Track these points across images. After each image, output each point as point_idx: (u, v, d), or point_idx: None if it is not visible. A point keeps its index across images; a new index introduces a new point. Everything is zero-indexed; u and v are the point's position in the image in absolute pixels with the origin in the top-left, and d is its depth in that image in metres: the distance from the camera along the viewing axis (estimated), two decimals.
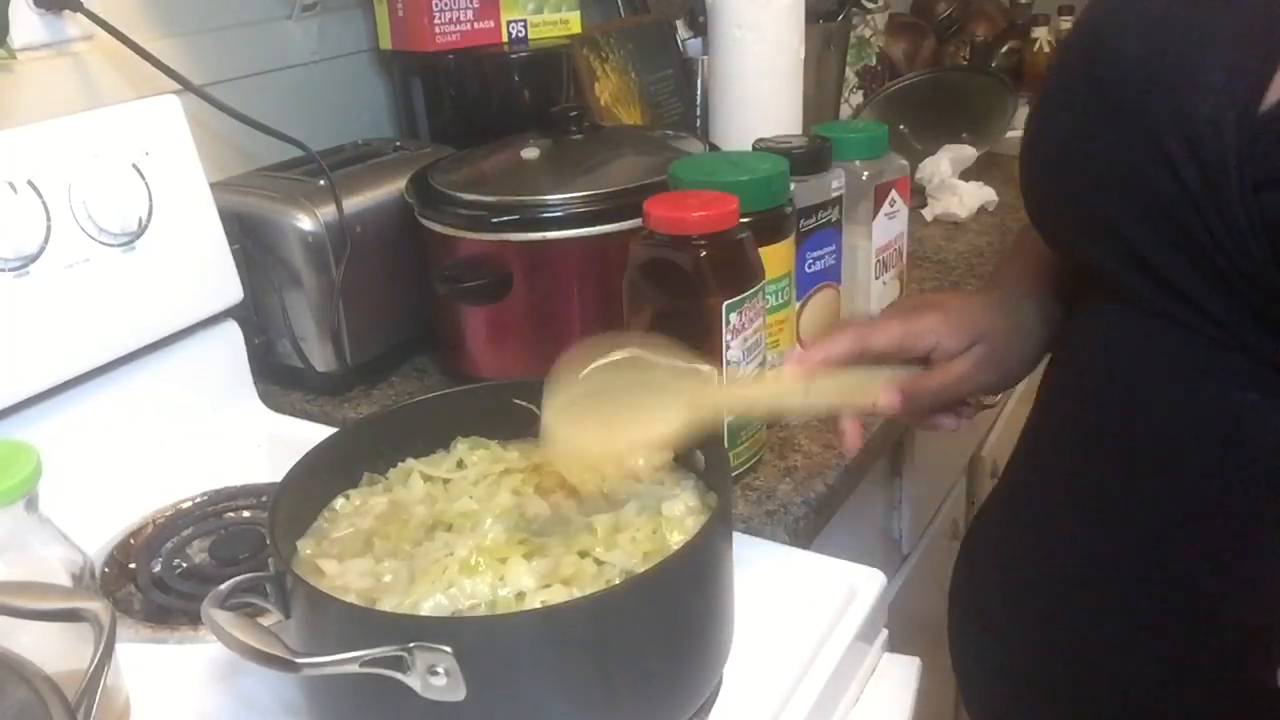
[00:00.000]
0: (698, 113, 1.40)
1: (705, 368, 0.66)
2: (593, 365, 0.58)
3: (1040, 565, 0.68)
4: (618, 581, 0.55)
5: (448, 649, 0.47)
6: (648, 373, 0.60)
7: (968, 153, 1.43)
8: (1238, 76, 0.51)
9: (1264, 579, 0.57)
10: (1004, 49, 1.84)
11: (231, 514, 0.80)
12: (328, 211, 0.94)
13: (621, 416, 0.60)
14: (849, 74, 1.58)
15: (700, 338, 0.74)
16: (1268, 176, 0.50)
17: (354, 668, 0.47)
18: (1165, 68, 0.53)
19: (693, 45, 1.42)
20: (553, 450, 0.61)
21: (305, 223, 0.93)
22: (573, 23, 1.27)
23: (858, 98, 1.61)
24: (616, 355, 0.59)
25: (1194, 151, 0.52)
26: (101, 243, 0.82)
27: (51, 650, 0.48)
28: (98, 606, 0.48)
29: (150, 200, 0.86)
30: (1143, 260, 0.56)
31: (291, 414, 0.97)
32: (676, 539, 0.58)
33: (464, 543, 0.59)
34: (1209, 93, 0.51)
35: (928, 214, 1.37)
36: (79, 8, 0.92)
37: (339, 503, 0.65)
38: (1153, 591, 0.61)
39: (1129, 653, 0.62)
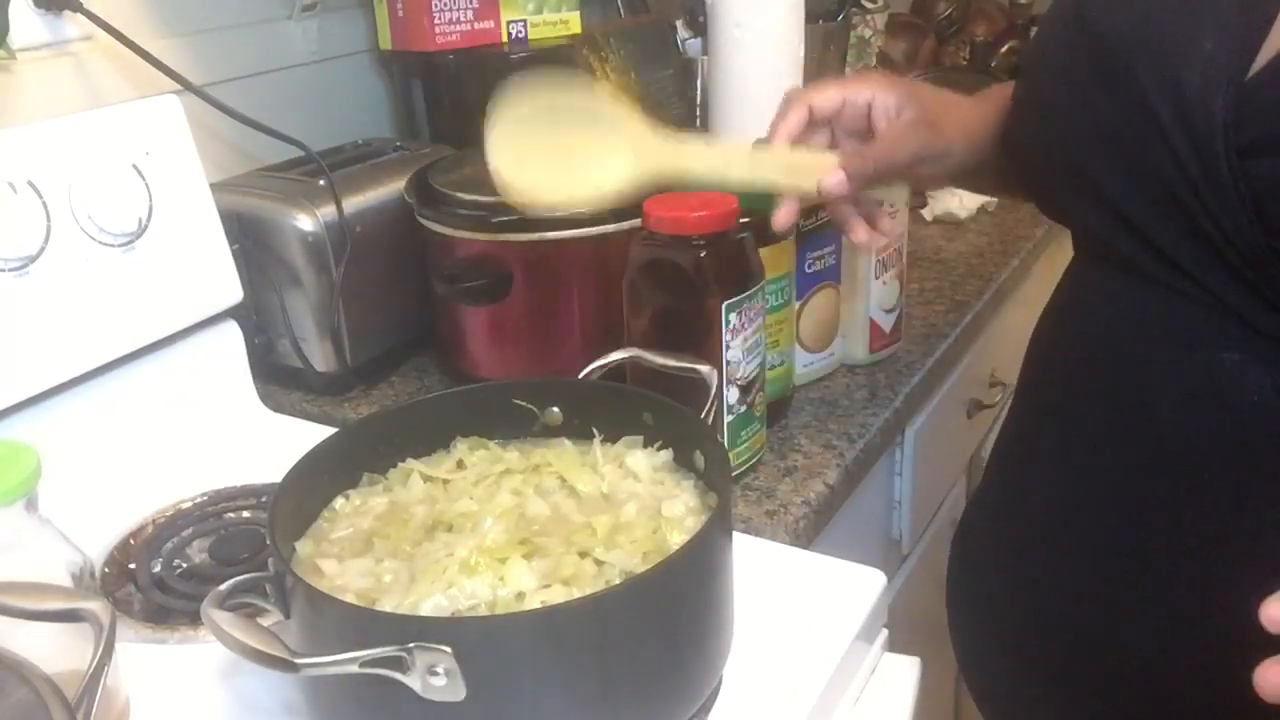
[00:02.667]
0: (698, 113, 1.40)
1: (705, 368, 0.66)
2: (542, 90, 0.56)
3: (1033, 535, 0.68)
4: (618, 582, 0.55)
5: (448, 649, 0.47)
6: (595, 108, 0.58)
7: None
8: (1225, 44, 0.52)
9: (1258, 536, 0.57)
10: (1004, 49, 1.84)
11: (231, 514, 0.80)
12: (328, 211, 0.94)
13: (568, 149, 0.58)
14: (849, 74, 1.58)
15: (700, 338, 0.74)
16: (1253, 142, 0.51)
17: (354, 668, 0.47)
18: (1154, 37, 0.55)
19: (693, 45, 1.42)
20: (497, 175, 0.58)
21: (305, 223, 0.93)
22: (573, 23, 1.27)
23: None
24: (569, 90, 0.57)
25: (1182, 118, 0.53)
26: (101, 243, 0.82)
27: (51, 650, 0.48)
28: (98, 606, 0.48)
29: (150, 200, 0.86)
30: (1132, 225, 0.57)
31: (291, 414, 0.97)
32: (676, 539, 0.58)
33: (464, 543, 0.58)
34: (1197, 60, 0.52)
35: (928, 214, 1.37)
36: (79, 8, 0.92)
37: (339, 503, 0.65)
38: (1149, 556, 0.61)
39: (1125, 620, 0.62)
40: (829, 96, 0.73)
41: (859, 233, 0.76)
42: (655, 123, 0.62)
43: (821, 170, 0.71)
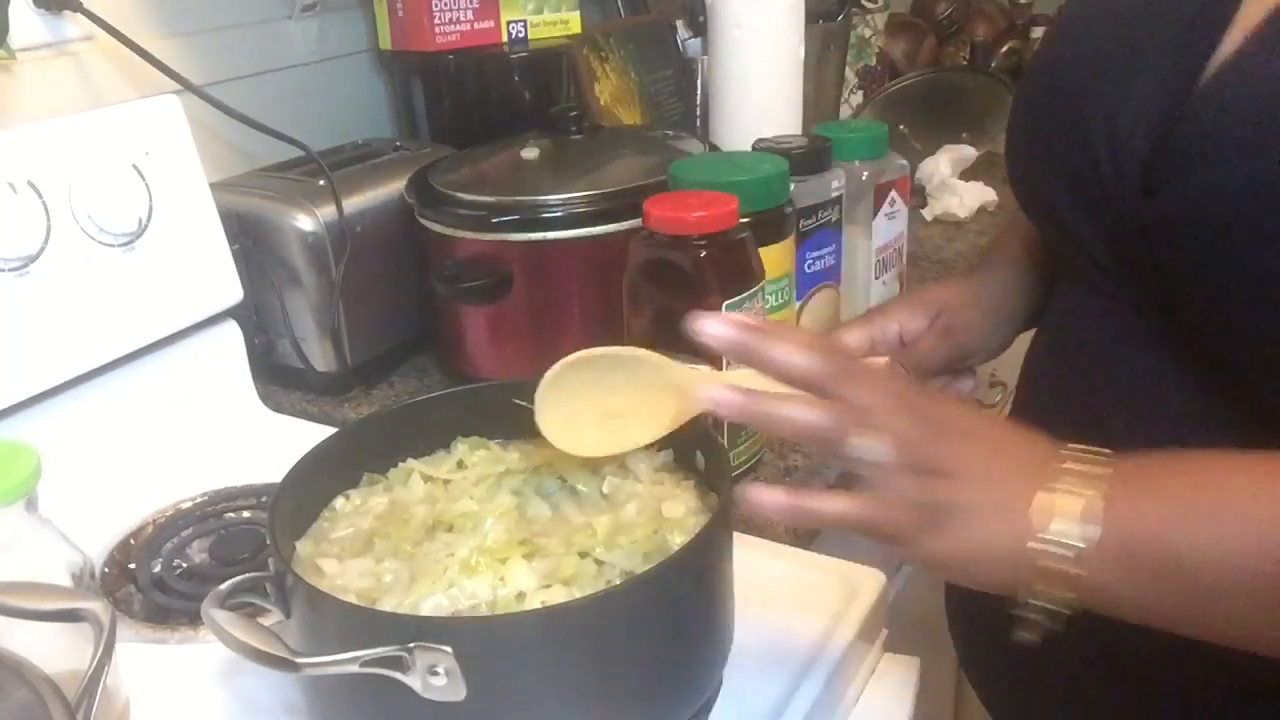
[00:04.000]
0: (698, 113, 1.40)
1: (705, 368, 0.66)
2: (582, 356, 0.59)
3: None
4: (618, 582, 0.55)
5: (448, 649, 0.47)
6: (636, 369, 0.60)
7: (967, 153, 1.43)
8: (1160, 85, 0.54)
9: None
10: (1004, 49, 1.84)
11: (231, 514, 0.80)
12: (328, 211, 0.94)
13: (614, 409, 0.60)
14: (849, 74, 1.58)
15: None
16: (1160, 182, 0.54)
17: (354, 668, 0.47)
18: (1099, 75, 0.58)
19: (693, 45, 1.42)
20: (547, 436, 0.61)
21: (305, 223, 0.93)
22: (573, 23, 1.27)
23: (858, 98, 1.61)
24: (608, 350, 0.60)
25: (1114, 154, 0.56)
26: (101, 243, 0.82)
27: (51, 650, 0.48)
28: (98, 606, 0.48)
29: (150, 200, 0.86)
30: (1084, 247, 0.61)
31: (291, 414, 0.97)
32: (677, 539, 0.58)
33: (464, 543, 0.58)
34: (1133, 99, 0.55)
35: (928, 214, 1.37)
36: (79, 8, 0.92)
37: (339, 503, 0.65)
38: None
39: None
40: (857, 339, 0.73)
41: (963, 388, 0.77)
42: (701, 368, 0.66)
43: None
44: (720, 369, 0.73)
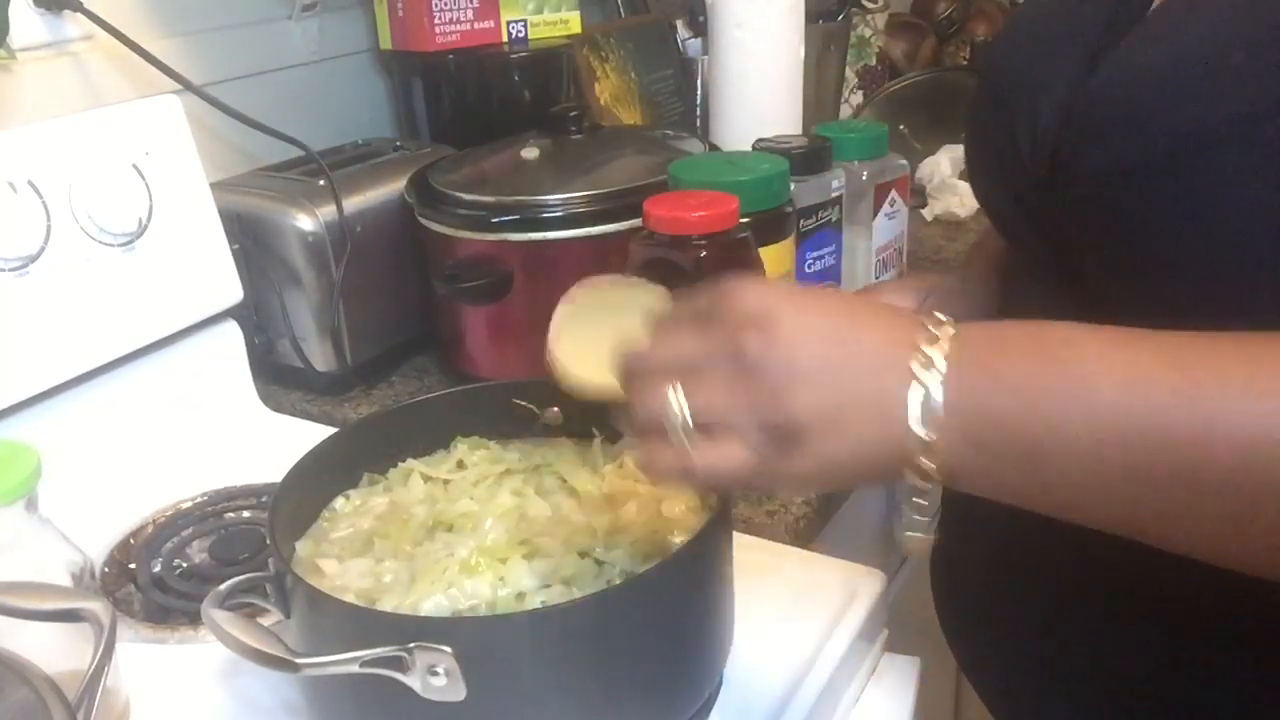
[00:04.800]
0: (698, 113, 1.40)
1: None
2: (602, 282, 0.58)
3: (1029, 536, 0.69)
4: (618, 582, 0.55)
5: (448, 649, 0.47)
6: (643, 292, 0.60)
7: None
8: (1071, 87, 0.56)
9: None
10: None
11: (231, 514, 0.80)
12: (328, 211, 0.94)
13: (626, 336, 0.59)
14: (849, 74, 1.58)
15: None
16: (1081, 170, 0.54)
17: (354, 668, 0.47)
18: (1025, 82, 0.60)
19: (693, 45, 1.42)
20: (558, 365, 0.59)
21: (305, 223, 0.93)
22: (573, 23, 1.27)
23: (858, 98, 1.61)
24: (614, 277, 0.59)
25: (1033, 154, 0.57)
26: (101, 243, 0.82)
27: (51, 650, 0.48)
28: (98, 606, 0.48)
29: (150, 200, 0.86)
30: (1018, 238, 0.63)
31: (291, 414, 0.97)
32: (677, 539, 0.58)
33: (464, 543, 0.59)
34: (1050, 102, 0.56)
35: (928, 214, 1.37)
36: (79, 8, 0.92)
37: (339, 503, 0.65)
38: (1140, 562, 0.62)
39: (1122, 620, 0.63)
40: None
41: None
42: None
43: None
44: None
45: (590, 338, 0.58)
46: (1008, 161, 0.60)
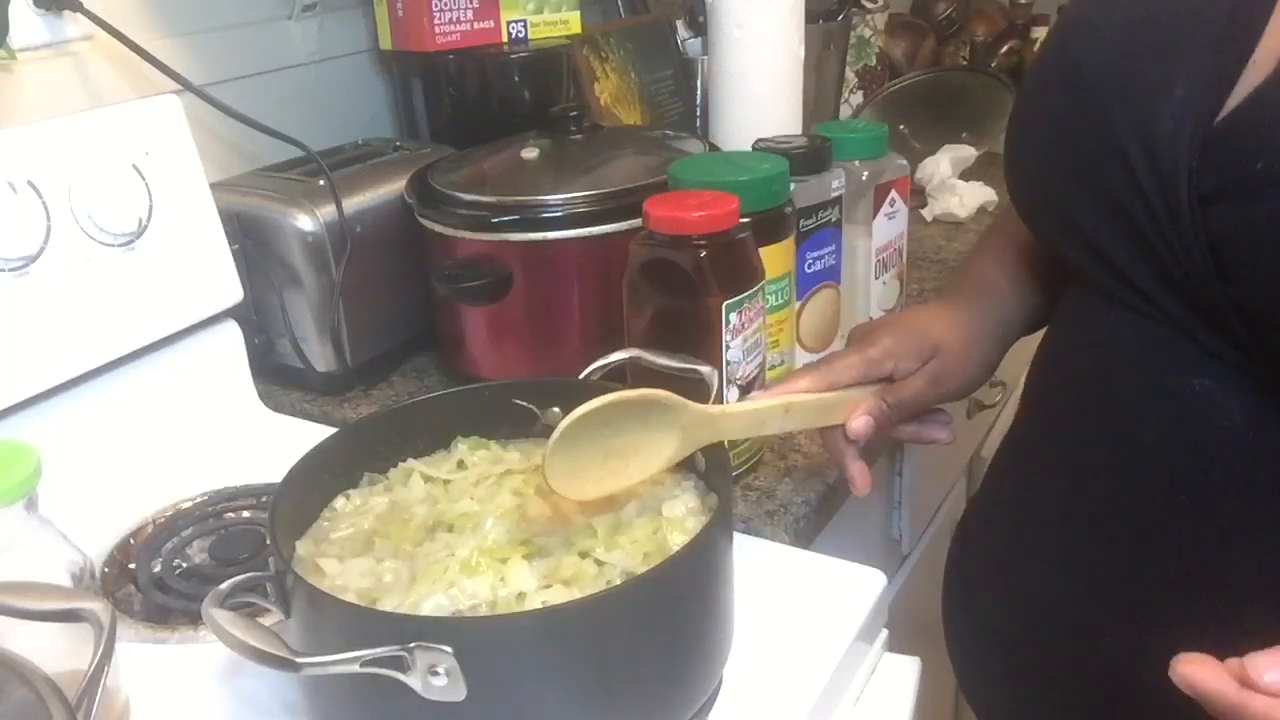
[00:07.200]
0: (698, 113, 1.40)
1: (705, 368, 0.67)
2: (588, 408, 0.58)
3: (1031, 543, 0.69)
4: (618, 582, 0.55)
5: (448, 649, 0.47)
6: (648, 410, 0.60)
7: (968, 153, 1.43)
8: (1196, 89, 0.52)
9: (1229, 558, 0.58)
10: (1004, 49, 1.84)
11: (231, 514, 0.80)
12: (328, 211, 0.94)
13: (619, 449, 0.60)
14: (849, 74, 1.58)
15: (700, 338, 0.74)
16: (1215, 190, 0.51)
17: (354, 668, 0.47)
18: (1129, 78, 0.55)
19: (693, 45, 1.42)
20: (554, 490, 0.59)
21: (305, 223, 0.93)
22: (573, 23, 1.27)
23: (858, 98, 1.61)
24: (625, 394, 0.59)
25: (1151, 161, 0.54)
26: (101, 243, 0.82)
27: (51, 650, 0.48)
28: (98, 606, 0.48)
29: (150, 200, 0.86)
30: (1109, 260, 0.58)
31: (291, 414, 0.97)
32: (677, 540, 0.58)
33: (465, 543, 0.59)
34: (1168, 104, 0.53)
35: (928, 214, 1.37)
36: (79, 8, 0.92)
37: (339, 503, 0.65)
38: (1138, 568, 0.62)
39: (1115, 634, 0.63)
40: (850, 372, 0.72)
41: (937, 437, 0.76)
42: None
43: (849, 409, 0.71)
44: (720, 369, 0.74)
45: (583, 459, 0.59)
46: (1111, 184, 0.56)
